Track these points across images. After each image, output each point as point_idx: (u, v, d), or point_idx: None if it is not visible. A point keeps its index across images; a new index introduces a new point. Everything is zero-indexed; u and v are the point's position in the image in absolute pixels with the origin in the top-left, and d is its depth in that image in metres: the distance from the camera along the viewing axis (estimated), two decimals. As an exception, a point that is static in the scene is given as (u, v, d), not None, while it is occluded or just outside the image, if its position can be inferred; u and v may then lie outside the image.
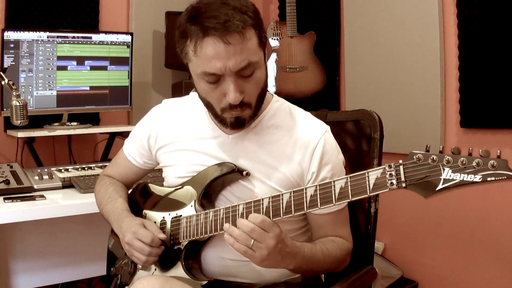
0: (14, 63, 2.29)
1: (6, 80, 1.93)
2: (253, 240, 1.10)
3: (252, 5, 1.22)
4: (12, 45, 2.28)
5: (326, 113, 1.62)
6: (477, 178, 0.93)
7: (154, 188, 1.48)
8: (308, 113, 1.39)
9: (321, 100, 2.95)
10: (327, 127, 1.35)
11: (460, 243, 2.49)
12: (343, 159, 1.36)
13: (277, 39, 2.97)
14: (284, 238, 1.15)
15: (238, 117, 1.25)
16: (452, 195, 2.60)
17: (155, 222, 1.37)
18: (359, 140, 1.56)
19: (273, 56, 2.98)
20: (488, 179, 0.92)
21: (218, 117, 1.27)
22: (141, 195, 1.50)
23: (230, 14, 1.14)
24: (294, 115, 1.36)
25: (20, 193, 1.90)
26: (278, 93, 2.94)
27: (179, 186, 1.39)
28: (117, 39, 2.55)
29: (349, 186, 1.07)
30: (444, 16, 2.47)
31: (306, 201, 1.12)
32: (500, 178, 0.92)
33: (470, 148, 0.97)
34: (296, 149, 1.31)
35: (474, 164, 0.93)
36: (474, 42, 2.33)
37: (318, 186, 1.11)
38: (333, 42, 2.99)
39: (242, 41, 1.15)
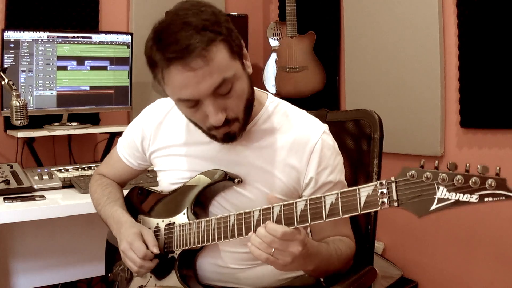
0: (14, 63, 2.29)
1: (6, 80, 1.93)
2: (273, 249, 1.07)
3: (216, 14, 1.14)
4: (12, 45, 2.28)
5: (326, 113, 1.61)
6: (474, 198, 0.88)
7: (150, 192, 1.46)
8: (305, 113, 1.35)
9: (321, 100, 2.95)
10: (325, 127, 1.30)
11: (460, 243, 2.49)
12: (342, 159, 1.33)
13: (277, 39, 2.97)
14: (307, 242, 1.12)
15: (228, 133, 1.20)
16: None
17: (149, 228, 1.35)
18: (359, 140, 1.55)
19: (273, 56, 2.98)
20: (486, 199, 0.87)
21: (208, 134, 1.24)
22: (137, 199, 1.48)
23: (189, 36, 1.08)
24: (290, 117, 1.31)
25: (20, 193, 1.90)
26: (278, 93, 2.95)
27: (173, 192, 1.37)
28: (117, 39, 2.55)
29: (339, 203, 1.03)
30: (444, 16, 2.47)
31: (297, 216, 1.09)
32: (498, 198, 0.87)
33: (467, 164, 0.91)
34: (292, 152, 1.27)
35: (470, 183, 0.88)
36: (474, 42, 2.33)
37: (308, 201, 1.07)
38: (333, 42, 2.99)
39: (208, 63, 1.08)
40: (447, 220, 2.53)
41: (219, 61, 1.10)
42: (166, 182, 1.39)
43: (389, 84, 2.71)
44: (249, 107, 1.22)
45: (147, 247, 1.26)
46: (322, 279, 1.44)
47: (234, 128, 1.20)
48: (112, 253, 1.51)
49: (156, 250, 1.26)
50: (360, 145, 1.55)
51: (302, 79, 2.93)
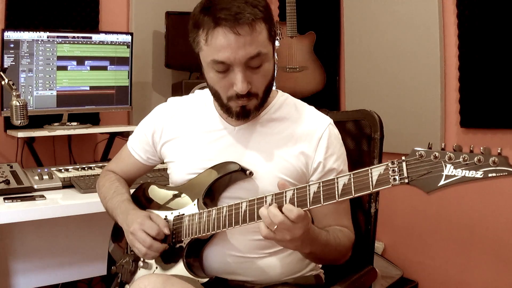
0: (14, 63, 2.29)
1: (6, 80, 1.93)
2: (276, 226, 1.11)
3: (264, 0, 1.26)
4: (12, 45, 2.28)
5: (326, 113, 1.61)
6: (479, 174, 0.95)
7: (157, 188, 1.48)
8: (313, 107, 1.43)
9: (321, 100, 2.94)
10: (331, 120, 1.39)
11: (460, 243, 2.49)
12: (345, 152, 1.40)
13: (277, 39, 2.96)
14: (310, 228, 1.16)
15: (244, 107, 1.28)
16: (452, 195, 2.60)
17: None
18: (359, 140, 1.56)
19: (273, 56, 2.98)
20: (489, 175, 0.94)
21: (224, 106, 1.30)
22: (144, 195, 1.50)
23: (242, 7, 1.19)
24: (299, 108, 1.41)
25: (20, 193, 1.90)
26: (278, 93, 2.95)
27: (182, 186, 1.40)
28: (117, 39, 2.55)
29: (352, 183, 1.08)
30: (444, 16, 2.47)
31: (309, 198, 1.13)
32: (501, 174, 0.93)
33: (472, 146, 0.98)
34: (302, 139, 1.34)
35: (475, 160, 0.95)
36: (474, 42, 2.33)
37: (321, 183, 1.12)
38: (333, 42, 2.99)
39: (251, 33, 1.20)
40: (447, 220, 2.53)
41: (261, 36, 1.22)
42: (179, 172, 1.41)
43: (389, 84, 2.71)
44: (269, 89, 1.31)
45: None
46: (322, 274, 1.45)
47: (251, 104, 1.28)
48: (116, 247, 1.52)
49: (167, 230, 1.30)
50: (360, 145, 1.56)
51: (302, 79, 2.93)
